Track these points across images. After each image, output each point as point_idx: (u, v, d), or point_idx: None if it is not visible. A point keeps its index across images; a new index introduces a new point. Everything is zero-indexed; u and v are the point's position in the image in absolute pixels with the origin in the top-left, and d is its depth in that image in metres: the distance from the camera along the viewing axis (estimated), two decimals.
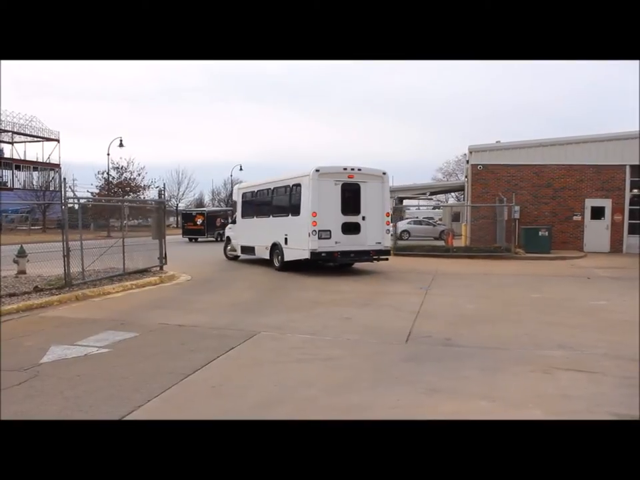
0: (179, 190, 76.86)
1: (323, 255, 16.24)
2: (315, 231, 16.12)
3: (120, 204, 20.62)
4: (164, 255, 17.13)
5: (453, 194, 77.10)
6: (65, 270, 12.84)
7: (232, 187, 55.67)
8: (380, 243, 16.96)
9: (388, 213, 17.29)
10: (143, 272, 16.02)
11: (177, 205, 75.62)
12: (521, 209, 25.80)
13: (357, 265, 19.08)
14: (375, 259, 17.08)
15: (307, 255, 16.32)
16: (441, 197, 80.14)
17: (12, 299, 11.47)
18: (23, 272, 15.23)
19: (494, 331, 8.89)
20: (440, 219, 49.13)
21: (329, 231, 16.34)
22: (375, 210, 16.85)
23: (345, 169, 16.64)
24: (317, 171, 16.23)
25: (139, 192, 57.28)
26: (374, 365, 6.93)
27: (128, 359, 7.23)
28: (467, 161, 29.58)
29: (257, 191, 20.56)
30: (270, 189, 19.30)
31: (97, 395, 5.80)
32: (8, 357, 7.31)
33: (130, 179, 57.66)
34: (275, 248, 18.34)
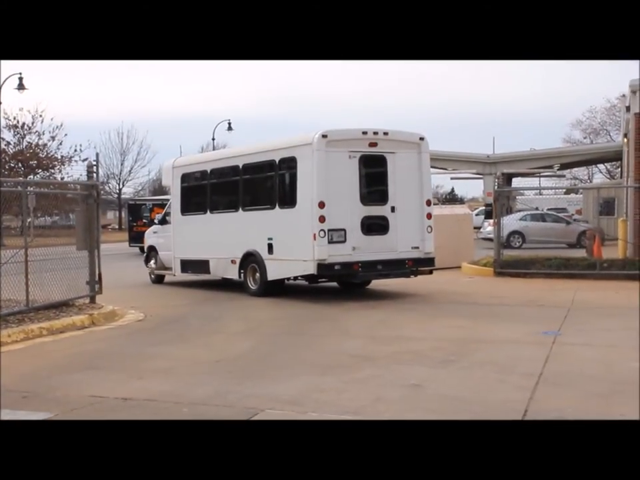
0: (122, 164, 54.34)
1: (336, 267, 11.85)
2: (323, 230, 11.64)
3: (20, 188, 14.67)
4: (97, 278, 11.98)
5: (601, 166, 52.05)
6: None
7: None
8: (418, 248, 12.51)
9: (429, 200, 12.89)
10: (61, 307, 11.24)
11: (120, 189, 54.56)
12: None
13: (425, 289, 13.47)
14: (413, 273, 12.67)
15: (310, 270, 11.88)
16: (580, 171, 54.50)
17: None
18: None
19: None
20: (578, 211, 34.85)
21: (343, 230, 11.93)
22: (410, 196, 12.59)
23: (365, 132, 12.37)
24: (324, 136, 11.75)
25: (53, 168, 41.46)
26: None
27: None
28: (627, 108, 19.62)
29: (212, 169, 14.80)
30: (238, 166, 13.95)
31: None
32: None
33: (37, 145, 41.17)
34: (250, 261, 13.29)
